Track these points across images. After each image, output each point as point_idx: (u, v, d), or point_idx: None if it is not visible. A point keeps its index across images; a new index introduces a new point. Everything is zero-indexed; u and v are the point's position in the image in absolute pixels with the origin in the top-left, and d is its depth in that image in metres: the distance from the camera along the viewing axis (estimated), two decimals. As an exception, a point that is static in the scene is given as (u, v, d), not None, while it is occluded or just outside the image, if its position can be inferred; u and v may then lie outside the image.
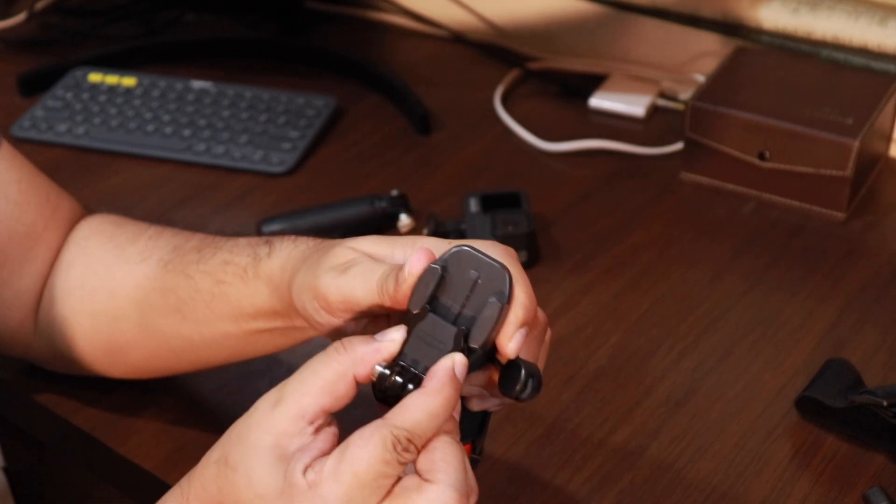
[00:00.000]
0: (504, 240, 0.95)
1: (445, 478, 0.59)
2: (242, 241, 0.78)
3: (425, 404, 0.60)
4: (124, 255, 0.84)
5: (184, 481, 0.64)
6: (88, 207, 0.91)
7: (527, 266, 1.02)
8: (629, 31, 1.31)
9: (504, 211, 1.04)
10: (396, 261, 0.66)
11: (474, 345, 0.61)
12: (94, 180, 1.16)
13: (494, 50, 1.35)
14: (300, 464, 0.59)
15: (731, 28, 1.26)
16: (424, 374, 0.61)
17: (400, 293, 0.63)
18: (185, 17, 1.44)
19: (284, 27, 1.42)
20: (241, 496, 0.61)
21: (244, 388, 0.90)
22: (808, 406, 0.88)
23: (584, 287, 1.02)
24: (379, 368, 0.61)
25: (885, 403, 0.82)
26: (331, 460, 0.59)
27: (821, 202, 1.10)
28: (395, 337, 0.62)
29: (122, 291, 0.83)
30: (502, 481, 0.84)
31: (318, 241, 0.73)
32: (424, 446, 0.60)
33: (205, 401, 0.91)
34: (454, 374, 0.61)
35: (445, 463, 0.60)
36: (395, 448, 0.58)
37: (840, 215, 1.10)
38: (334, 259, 0.67)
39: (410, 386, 0.61)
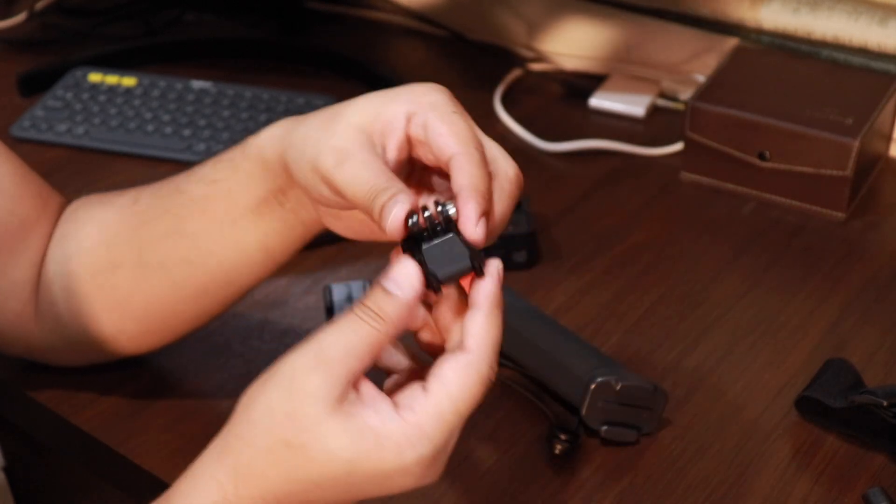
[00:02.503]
0: (504, 240, 0.96)
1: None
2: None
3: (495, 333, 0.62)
4: (115, 204, 0.84)
5: (219, 474, 0.63)
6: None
7: (527, 266, 1.03)
8: (629, 31, 1.31)
9: (504, 211, 1.04)
10: (394, 122, 0.68)
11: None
12: (93, 180, 1.16)
13: (494, 50, 1.35)
14: (387, 412, 0.60)
15: (731, 28, 1.26)
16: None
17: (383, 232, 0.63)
18: (185, 17, 1.44)
19: (284, 27, 1.42)
20: (323, 470, 0.61)
21: (244, 388, 0.90)
22: (808, 406, 0.88)
23: (585, 287, 1.02)
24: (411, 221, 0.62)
25: (885, 403, 0.82)
26: (429, 399, 0.60)
27: (821, 202, 1.10)
28: (410, 272, 0.61)
29: (118, 239, 0.83)
30: (502, 481, 0.84)
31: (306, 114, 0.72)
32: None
33: (205, 401, 0.91)
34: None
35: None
36: (488, 382, 0.61)
37: (840, 215, 1.10)
38: (335, 139, 0.67)
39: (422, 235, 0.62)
